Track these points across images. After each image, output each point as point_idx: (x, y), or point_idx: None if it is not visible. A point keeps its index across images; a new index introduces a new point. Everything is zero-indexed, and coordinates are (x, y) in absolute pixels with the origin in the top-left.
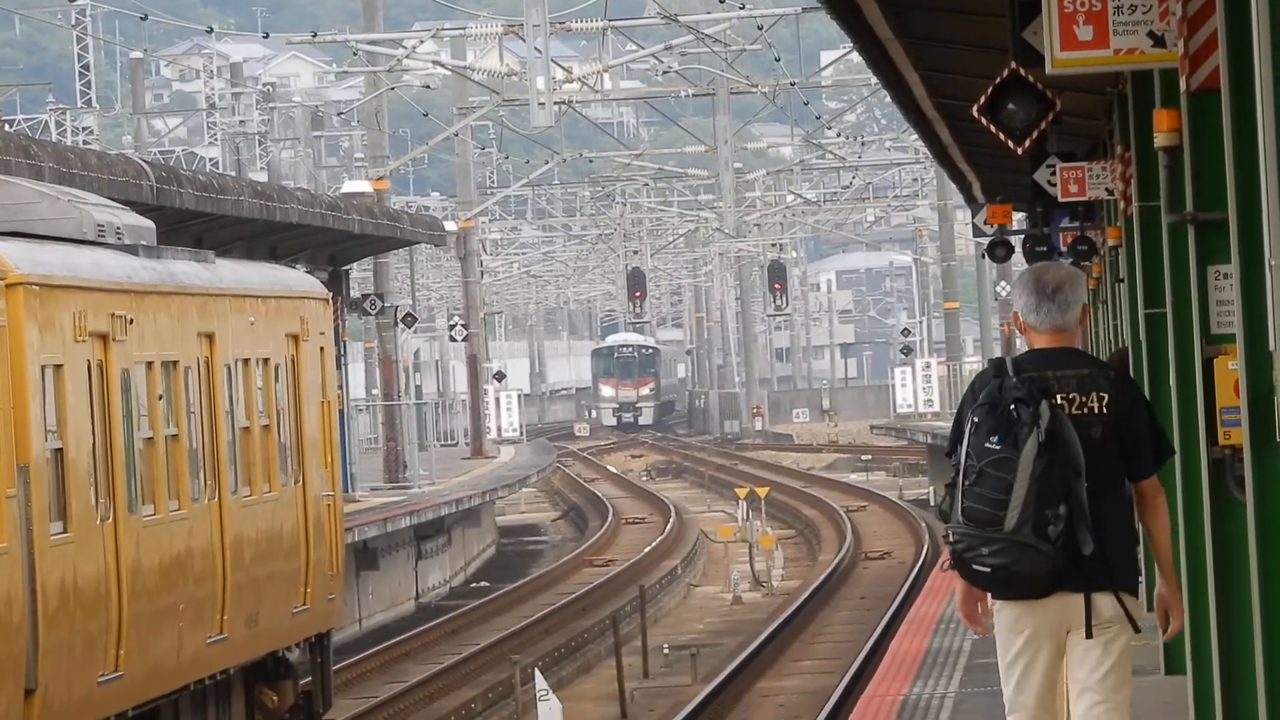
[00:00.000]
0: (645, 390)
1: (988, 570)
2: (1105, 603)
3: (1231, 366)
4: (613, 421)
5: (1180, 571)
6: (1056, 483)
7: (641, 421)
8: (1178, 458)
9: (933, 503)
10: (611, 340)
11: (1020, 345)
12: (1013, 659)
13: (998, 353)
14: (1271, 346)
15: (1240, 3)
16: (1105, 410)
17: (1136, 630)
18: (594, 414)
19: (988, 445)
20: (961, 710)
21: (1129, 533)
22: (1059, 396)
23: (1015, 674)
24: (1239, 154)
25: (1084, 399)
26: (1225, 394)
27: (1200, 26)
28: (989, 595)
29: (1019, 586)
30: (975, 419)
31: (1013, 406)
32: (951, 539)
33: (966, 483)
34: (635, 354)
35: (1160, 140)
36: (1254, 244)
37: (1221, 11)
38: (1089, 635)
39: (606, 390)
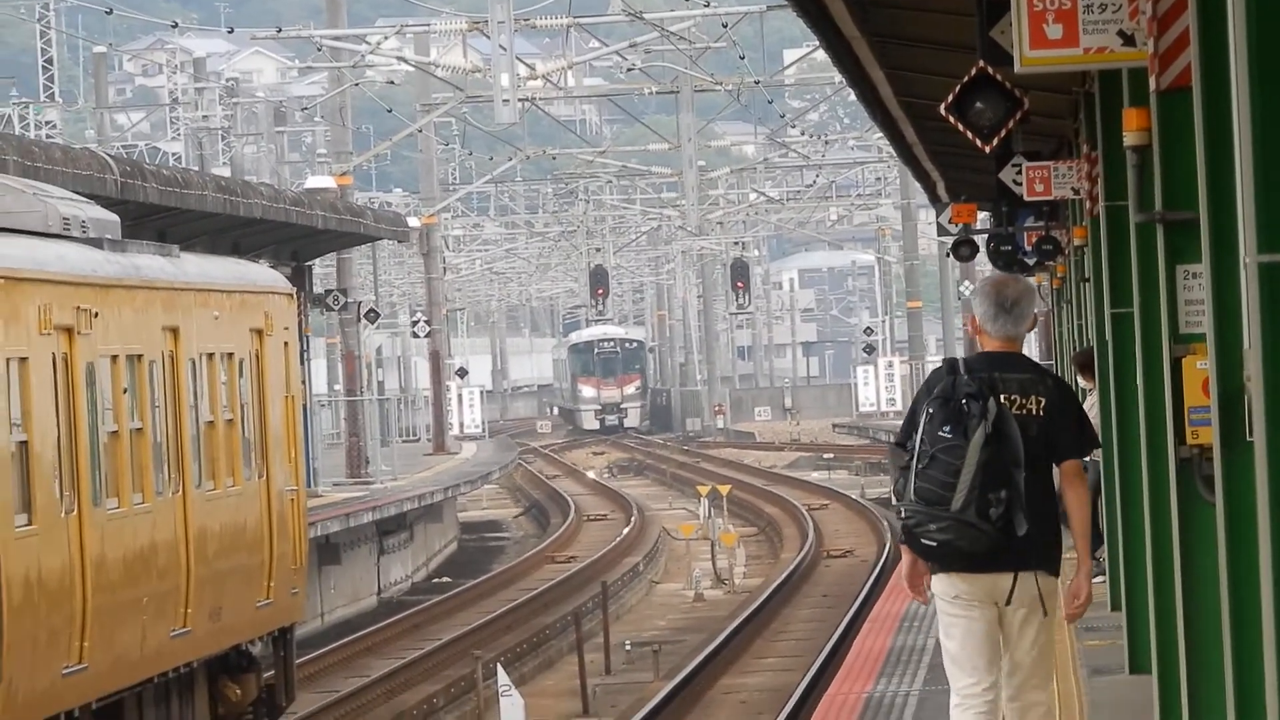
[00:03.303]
0: (630, 389)
1: (934, 544)
2: (1032, 581)
3: (1200, 366)
4: (595, 425)
5: (1145, 570)
6: (999, 471)
7: (627, 424)
8: (1144, 457)
9: (894, 501)
10: (591, 334)
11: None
12: (950, 624)
13: (960, 352)
14: (1247, 345)
15: (1213, 1)
16: (1042, 413)
17: (1045, 612)
18: (554, 412)
19: (940, 434)
20: (925, 708)
21: (1055, 521)
22: (1003, 396)
23: (955, 636)
24: (1211, 152)
25: (1024, 401)
26: (1193, 393)
27: (1170, 25)
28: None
29: (959, 560)
30: (930, 410)
31: (964, 401)
32: (904, 515)
33: (920, 466)
34: (618, 349)
35: (1129, 139)
36: (1226, 242)
37: (1194, 9)
38: (1009, 602)
39: (587, 391)
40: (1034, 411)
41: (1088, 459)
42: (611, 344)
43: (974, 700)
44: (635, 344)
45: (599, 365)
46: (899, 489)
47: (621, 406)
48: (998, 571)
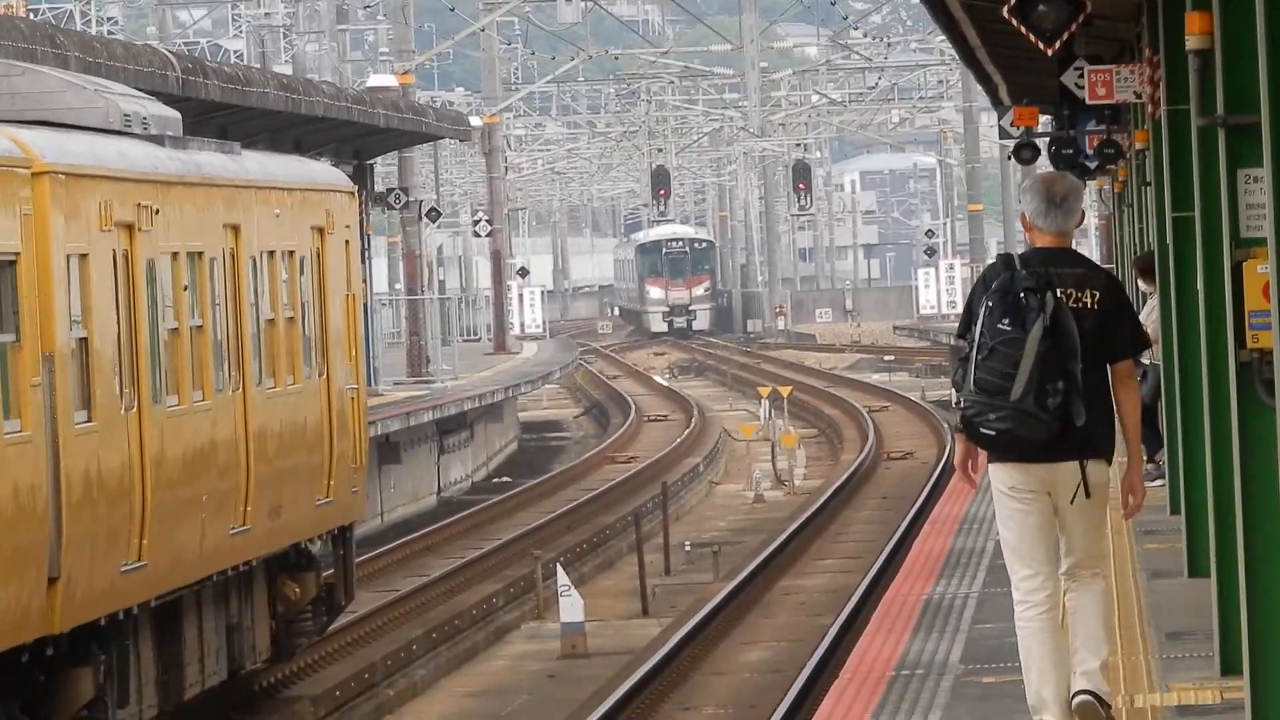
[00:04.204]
0: (699, 290)
1: (992, 434)
2: (1089, 469)
3: (1261, 270)
4: (663, 328)
5: (1205, 473)
6: (1056, 362)
7: (696, 327)
8: (1204, 361)
9: (954, 403)
10: (659, 233)
11: None
12: (1008, 514)
13: None
14: None
15: None
16: (1096, 306)
17: (1088, 495)
18: (615, 313)
19: (1000, 326)
20: (984, 609)
21: (1110, 412)
22: (1059, 290)
23: (1013, 527)
24: (1273, 56)
25: (1079, 294)
26: (1254, 297)
27: None
28: (984, 458)
29: (1016, 449)
30: (989, 303)
31: (1022, 295)
32: (963, 405)
33: (979, 357)
34: (687, 249)
35: (1191, 43)
36: None
37: None
38: (1087, 494)
39: (654, 292)
40: (1089, 305)
41: (1148, 362)
42: (680, 244)
43: (1035, 598)
44: (705, 244)
45: (667, 266)
46: (957, 380)
47: (690, 308)
48: (1053, 461)
